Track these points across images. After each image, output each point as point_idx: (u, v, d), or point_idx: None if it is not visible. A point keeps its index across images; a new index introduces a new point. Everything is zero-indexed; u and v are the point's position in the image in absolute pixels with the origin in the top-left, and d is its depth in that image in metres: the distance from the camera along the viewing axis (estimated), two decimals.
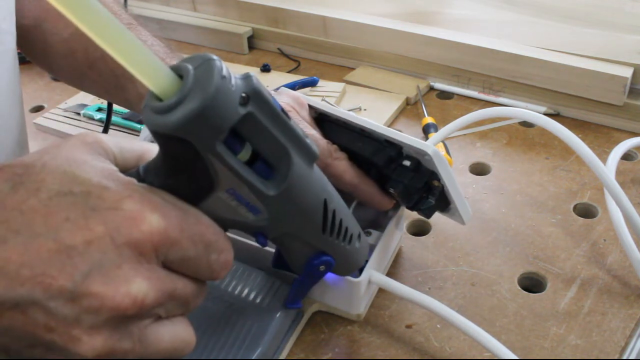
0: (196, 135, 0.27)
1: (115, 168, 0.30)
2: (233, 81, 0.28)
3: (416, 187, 0.44)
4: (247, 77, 0.29)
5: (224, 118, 0.27)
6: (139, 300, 0.27)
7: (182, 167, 0.29)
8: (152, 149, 0.32)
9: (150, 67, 0.26)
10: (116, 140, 0.32)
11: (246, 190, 0.31)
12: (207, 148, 0.28)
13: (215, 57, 0.27)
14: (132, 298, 0.27)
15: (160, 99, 0.27)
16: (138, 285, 0.27)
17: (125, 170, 0.31)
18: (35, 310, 0.26)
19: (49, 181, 0.28)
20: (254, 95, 0.29)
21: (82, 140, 0.30)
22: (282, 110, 0.30)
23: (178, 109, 0.26)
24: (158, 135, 0.28)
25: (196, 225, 0.30)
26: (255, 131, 0.30)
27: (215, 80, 0.26)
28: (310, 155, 0.33)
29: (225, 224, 0.32)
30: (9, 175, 0.28)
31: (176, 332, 0.30)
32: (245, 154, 0.30)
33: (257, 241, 0.35)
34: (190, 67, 0.27)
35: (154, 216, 0.28)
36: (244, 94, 0.28)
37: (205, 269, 0.30)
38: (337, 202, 0.37)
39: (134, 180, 0.30)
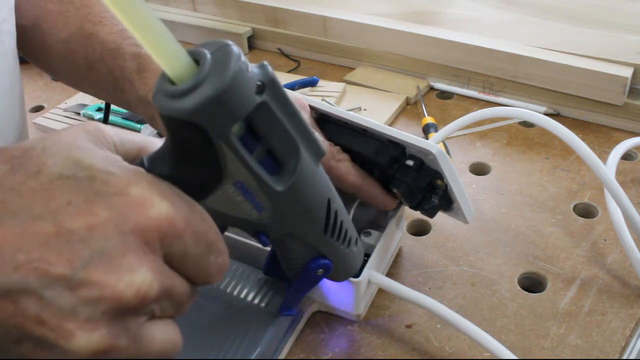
0: (211, 122, 0.26)
1: (119, 157, 0.29)
2: (250, 68, 0.27)
3: (420, 186, 0.44)
4: (262, 66, 0.28)
5: (240, 105, 0.26)
6: (142, 291, 0.25)
7: (191, 156, 0.28)
8: (153, 143, 0.32)
9: (168, 50, 0.25)
10: (117, 130, 0.31)
11: (254, 184, 0.30)
12: (220, 135, 0.27)
13: (231, 42, 0.27)
14: (135, 288, 0.25)
15: (173, 83, 0.26)
16: (142, 275, 0.25)
17: (126, 161, 0.29)
18: (27, 300, 0.24)
19: (50, 164, 0.26)
20: (270, 84, 0.28)
21: (83, 128, 0.29)
22: None
23: (195, 93, 0.25)
24: (170, 121, 0.27)
25: (201, 223, 0.29)
26: (268, 122, 0.29)
27: (233, 65, 0.26)
28: (318, 152, 0.32)
29: (226, 222, 0.32)
30: (6, 157, 0.26)
31: (167, 333, 0.29)
32: (260, 154, 0.30)
33: (260, 241, 0.34)
34: (207, 52, 0.26)
35: (164, 203, 0.26)
36: (259, 82, 0.27)
37: (203, 270, 0.29)
38: (338, 203, 0.36)
39: (140, 169, 0.28)
